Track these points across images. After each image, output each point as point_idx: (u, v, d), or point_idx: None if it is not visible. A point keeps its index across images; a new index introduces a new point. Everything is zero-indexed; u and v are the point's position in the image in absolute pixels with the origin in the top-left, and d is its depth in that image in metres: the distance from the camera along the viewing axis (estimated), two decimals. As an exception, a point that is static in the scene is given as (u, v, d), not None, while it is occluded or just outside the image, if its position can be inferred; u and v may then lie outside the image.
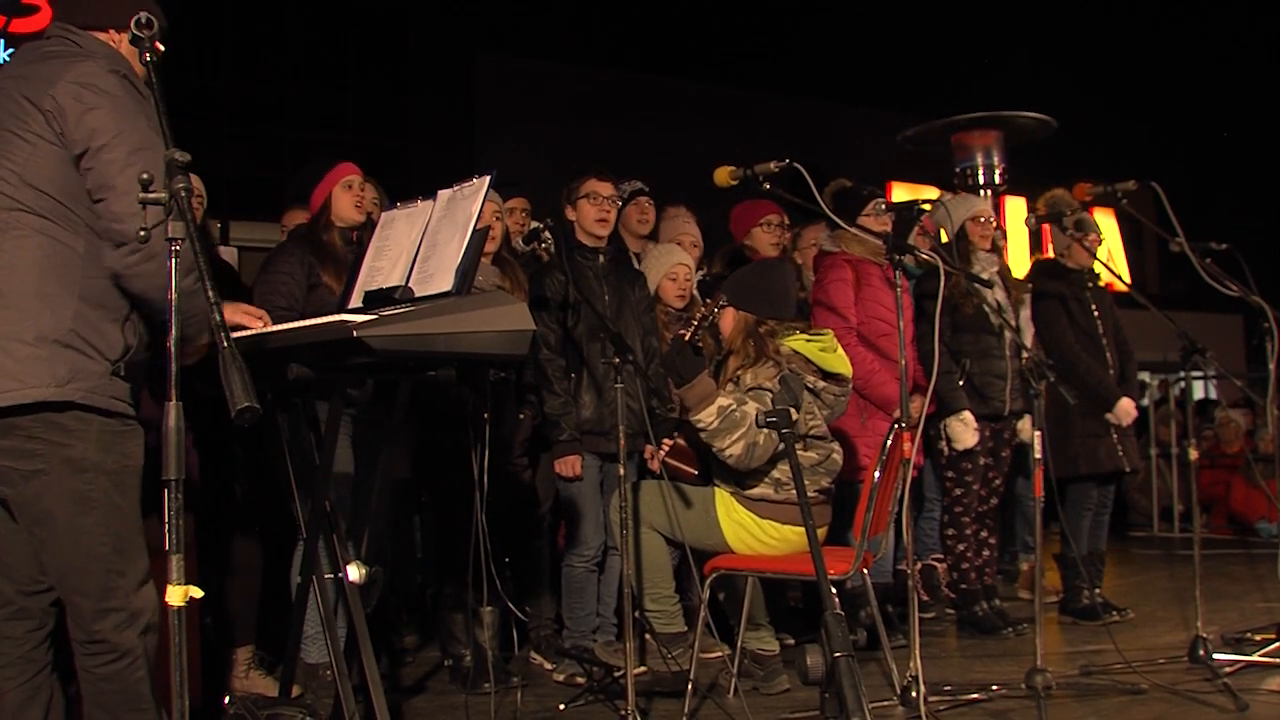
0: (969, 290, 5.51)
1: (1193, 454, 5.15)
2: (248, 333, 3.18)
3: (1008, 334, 5.62)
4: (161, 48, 2.53)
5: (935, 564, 6.10)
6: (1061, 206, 5.97)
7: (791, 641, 5.15)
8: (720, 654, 4.73)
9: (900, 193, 10.65)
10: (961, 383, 5.59)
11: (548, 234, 4.62)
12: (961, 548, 5.75)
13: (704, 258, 5.80)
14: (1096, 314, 6.05)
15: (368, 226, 4.26)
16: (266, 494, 4.38)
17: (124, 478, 2.74)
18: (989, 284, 5.17)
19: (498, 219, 4.80)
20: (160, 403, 2.15)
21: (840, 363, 4.41)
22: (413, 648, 5.45)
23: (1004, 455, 5.86)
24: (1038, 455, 4.23)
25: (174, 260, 2.19)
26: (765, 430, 4.04)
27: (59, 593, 2.77)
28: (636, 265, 5.32)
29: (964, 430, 5.55)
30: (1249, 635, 5.24)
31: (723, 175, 4.03)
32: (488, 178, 3.25)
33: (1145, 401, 10.94)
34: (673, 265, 5.31)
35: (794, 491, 4.15)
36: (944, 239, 5.94)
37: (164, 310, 2.24)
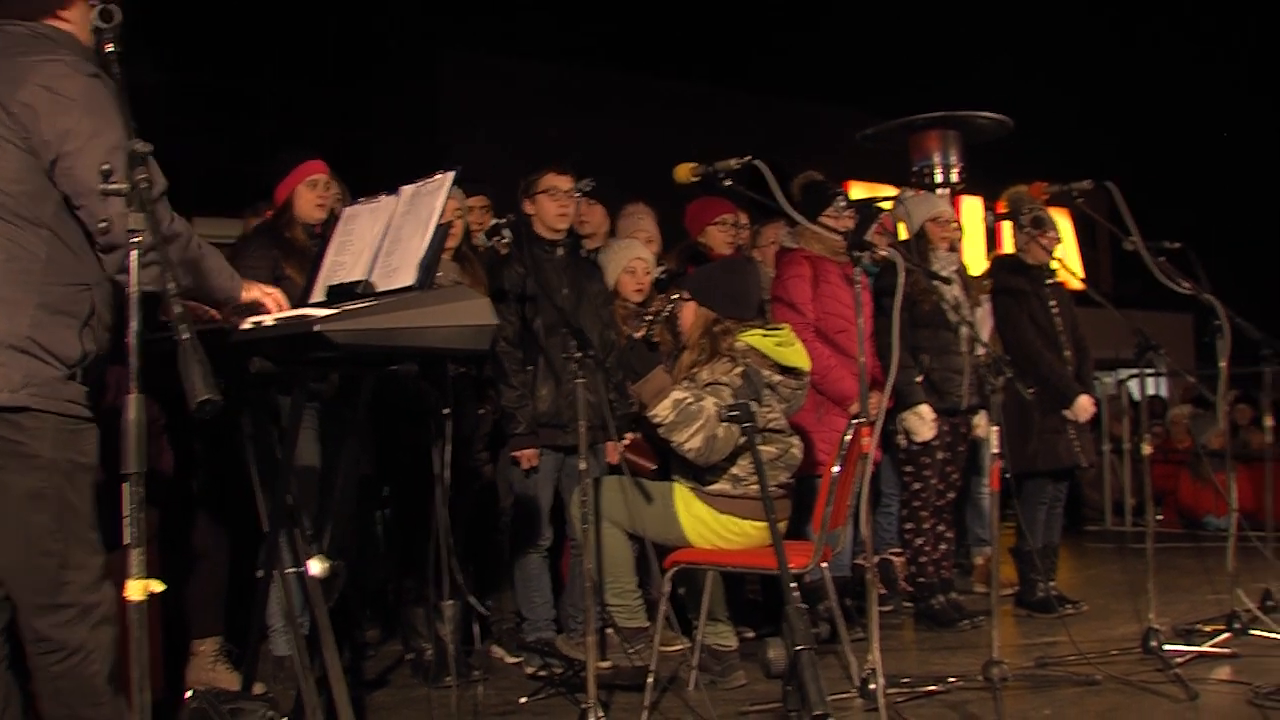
0: (927, 287, 5.54)
1: (1146, 449, 5.19)
2: (210, 326, 3.15)
3: (965, 330, 5.65)
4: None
5: (893, 558, 6.14)
6: (1020, 204, 6.03)
7: (752, 635, 5.16)
8: (681, 647, 4.73)
9: (858, 191, 10.70)
10: (920, 378, 5.63)
11: (508, 230, 4.61)
12: (919, 541, 5.78)
13: (662, 253, 5.80)
14: (1055, 311, 6.08)
15: (331, 221, 4.23)
16: (233, 487, 4.35)
17: (78, 475, 2.69)
18: (947, 280, 5.19)
19: (459, 215, 4.78)
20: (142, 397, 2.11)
21: (797, 356, 4.41)
22: (375, 642, 5.42)
23: (961, 450, 5.90)
24: (995, 450, 4.26)
25: (135, 253, 2.15)
26: (725, 424, 4.04)
27: (8, 589, 2.72)
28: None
29: (921, 424, 5.59)
30: (1199, 627, 5.32)
31: (683, 172, 4.01)
32: (451, 173, 3.23)
33: (1103, 395, 11.04)
34: (631, 260, 5.33)
35: (753, 487, 4.16)
36: (903, 236, 5.97)
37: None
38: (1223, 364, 5.23)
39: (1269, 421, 6.29)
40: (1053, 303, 6.09)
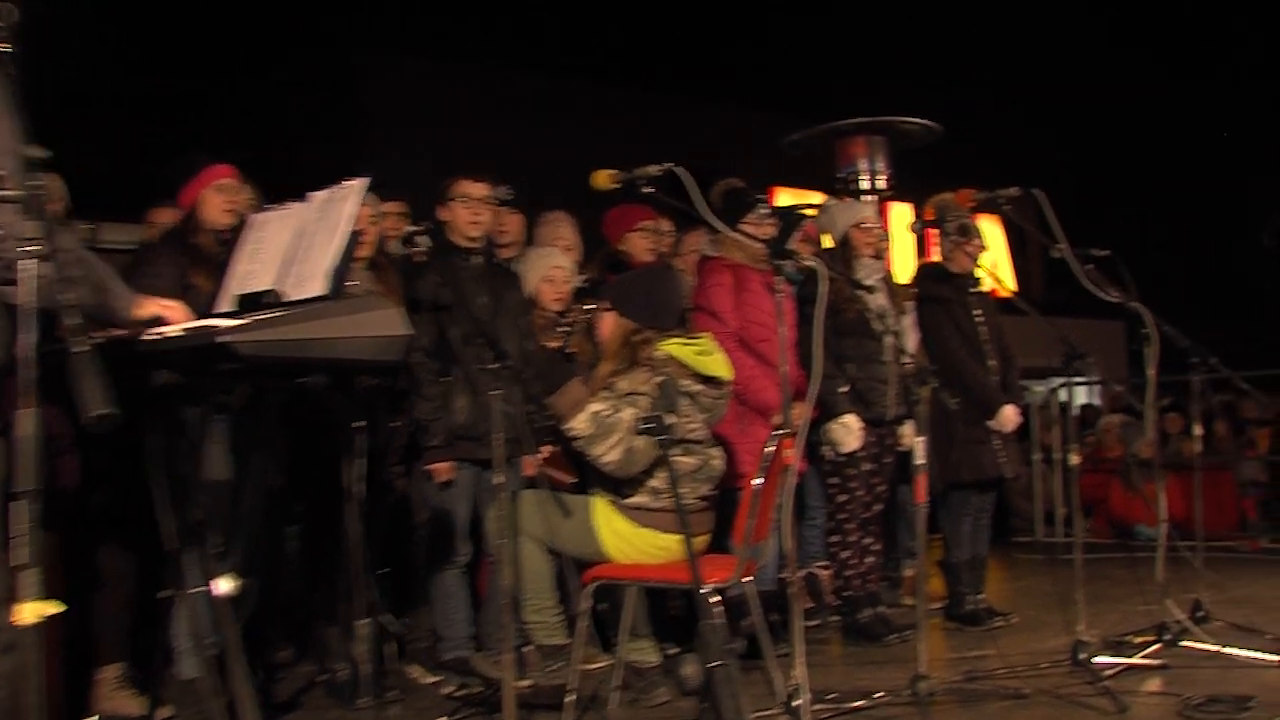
0: (851, 296, 5.60)
1: (1074, 459, 5.27)
2: (119, 334, 3.12)
3: (890, 339, 5.72)
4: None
5: (819, 571, 6.19)
6: (947, 211, 6.11)
7: (676, 651, 5.19)
8: (602, 665, 4.74)
9: (784, 197, 10.71)
10: (845, 388, 5.69)
11: (424, 237, 4.62)
12: (845, 554, 5.83)
13: (582, 262, 5.83)
14: (980, 319, 6.16)
15: (239, 228, 4.21)
16: (139, 504, 4.30)
17: None
18: (869, 289, 5.26)
19: (372, 222, 4.78)
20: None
21: (718, 365, 4.45)
22: (287, 663, 5.37)
23: (887, 461, 5.95)
24: (920, 461, 4.33)
25: (29, 263, 2.14)
26: (643, 435, 4.07)
27: None
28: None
29: (847, 434, 5.64)
30: (1129, 638, 5.40)
31: (602, 179, 4.04)
32: (364, 180, 3.24)
33: (1034, 404, 11.19)
34: (550, 268, 5.35)
35: (673, 499, 4.18)
36: (828, 244, 6.04)
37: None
38: (1150, 372, 5.33)
39: (1198, 430, 6.46)
40: (978, 311, 6.17)
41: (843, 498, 5.81)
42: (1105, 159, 19.49)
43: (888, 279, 6.07)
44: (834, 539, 5.87)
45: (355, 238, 3.20)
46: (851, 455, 5.71)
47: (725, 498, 4.72)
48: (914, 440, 4.49)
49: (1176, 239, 20.59)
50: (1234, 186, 20.68)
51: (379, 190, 4.80)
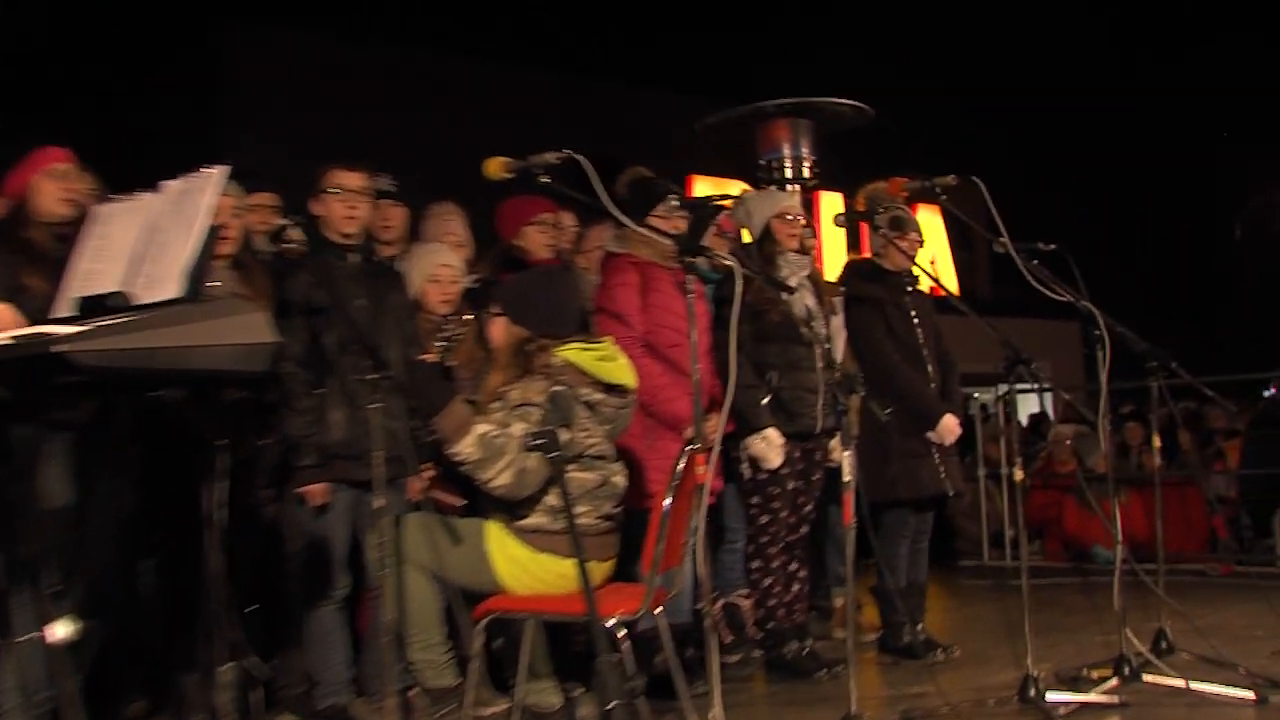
0: (774, 296, 5.64)
1: (1018, 475, 5.29)
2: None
3: (818, 344, 5.80)
4: None
5: (739, 601, 6.22)
6: (878, 202, 6.17)
7: (581, 691, 5.22)
8: (499, 709, 4.76)
9: (702, 187, 10.82)
10: (767, 398, 5.75)
11: (295, 232, 4.62)
12: (768, 582, 5.88)
13: (474, 259, 5.87)
14: (916, 321, 6.25)
15: (79, 221, 4.19)
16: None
17: None
18: (789, 290, 5.32)
19: (235, 216, 4.79)
20: None
21: (620, 372, 4.51)
22: (141, 715, 5.33)
23: (815, 479, 6.02)
24: (847, 478, 4.40)
25: None
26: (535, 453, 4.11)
27: None
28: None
29: (768, 450, 5.70)
30: (1085, 672, 5.44)
31: (494, 167, 4.07)
32: (223, 168, 3.26)
33: (978, 414, 11.34)
34: (436, 267, 5.38)
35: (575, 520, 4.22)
36: (747, 239, 6.11)
37: None
38: (1103, 377, 5.36)
39: (1156, 442, 6.53)
40: (914, 312, 6.26)
41: (765, 519, 5.87)
42: (1054, 144, 19.77)
43: (815, 277, 6.15)
44: (756, 565, 5.92)
45: (215, 233, 3.21)
46: (775, 472, 5.79)
47: (633, 520, 4.78)
48: (841, 455, 4.55)
49: (1134, 230, 20.97)
50: (1199, 172, 21.08)
51: (243, 179, 4.79)
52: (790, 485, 5.88)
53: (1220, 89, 19.88)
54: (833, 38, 16.81)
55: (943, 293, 5.57)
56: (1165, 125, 20.08)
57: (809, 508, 6.05)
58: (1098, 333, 5.34)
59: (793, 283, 5.89)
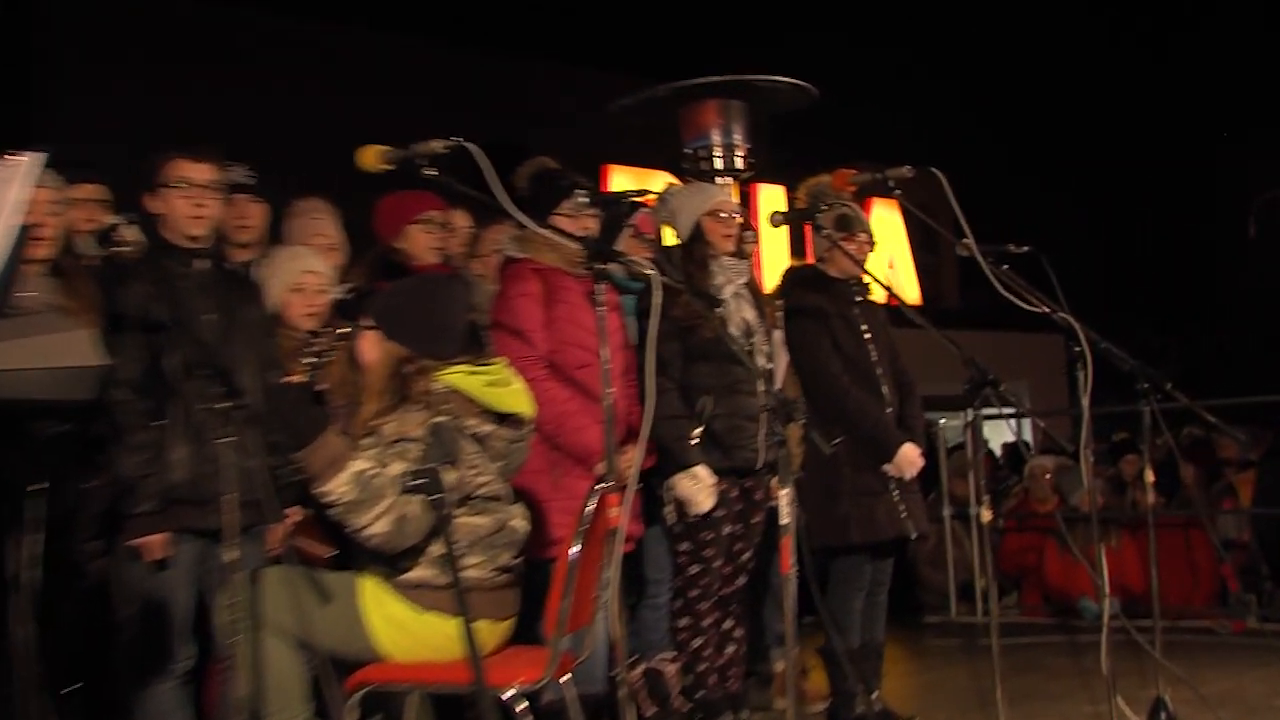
0: (706, 308, 5.66)
1: (985, 515, 5.39)
2: None
3: (760, 363, 5.80)
4: None
5: (664, 666, 6.20)
6: (822, 198, 6.18)
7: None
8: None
9: (620, 180, 10.78)
10: (698, 430, 5.75)
11: (128, 232, 4.57)
12: (698, 643, 5.87)
13: (347, 266, 5.86)
14: (868, 336, 6.26)
15: None
16: None
17: None
18: (715, 302, 5.32)
19: (54, 213, 4.73)
20: None
21: (516, 399, 4.49)
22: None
23: (755, 522, 6.02)
24: (784, 520, 4.40)
25: None
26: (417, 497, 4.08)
27: None
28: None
29: (697, 491, 5.67)
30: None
31: (371, 157, 4.08)
32: (37, 155, 3.23)
33: (943, 443, 11.38)
34: (301, 274, 5.36)
35: (464, 572, 4.20)
36: (673, 240, 6.11)
37: None
38: (1084, 400, 5.43)
39: (1150, 476, 6.53)
40: (864, 325, 6.27)
41: (695, 569, 5.86)
42: (1030, 131, 20.00)
43: (754, 285, 6.18)
44: (683, 623, 5.91)
45: (26, 233, 3.17)
46: (708, 515, 5.77)
47: (536, 572, 4.76)
48: (779, 494, 4.55)
49: (1123, 229, 21.20)
50: (1199, 161, 21.37)
51: (63, 169, 4.73)
52: (726, 530, 5.87)
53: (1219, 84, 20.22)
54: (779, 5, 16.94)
55: (899, 302, 5.59)
56: (1156, 103, 20.37)
57: (747, 555, 6.05)
58: (1078, 349, 5.39)
59: (728, 291, 5.91)
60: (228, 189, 5.03)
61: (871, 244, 6.32)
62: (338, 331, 4.27)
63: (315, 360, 4.16)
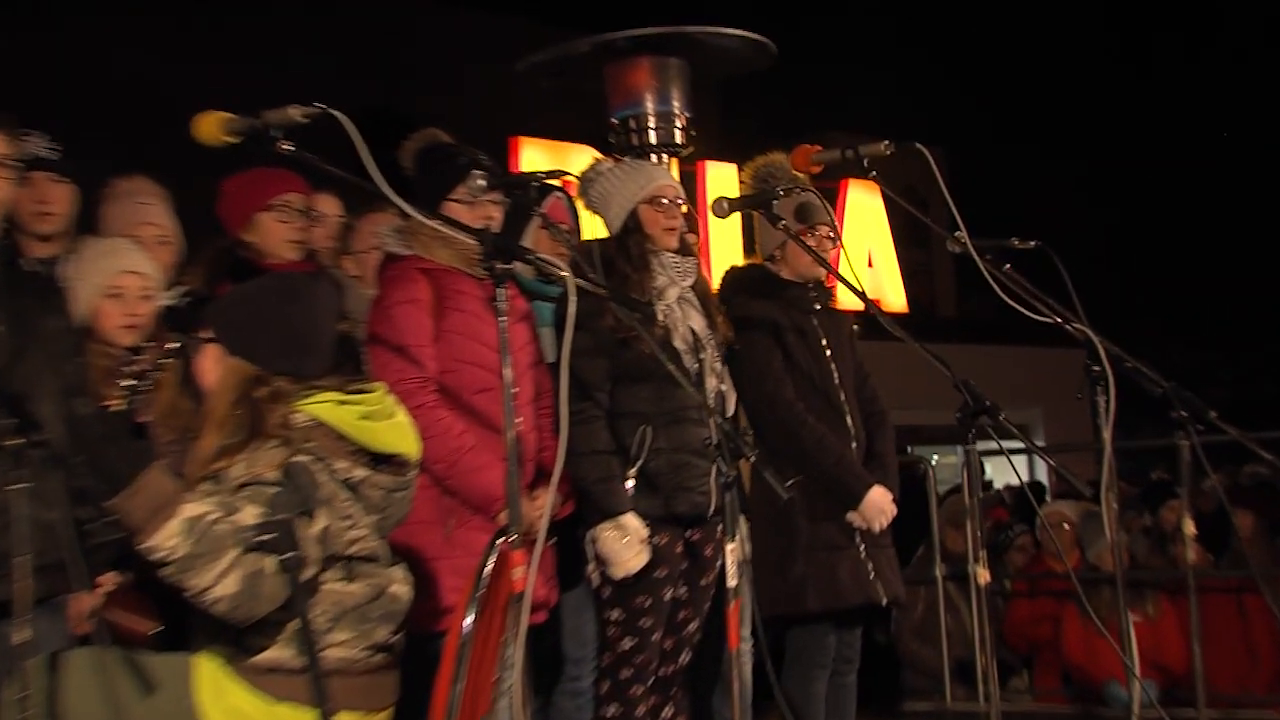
0: (642, 317, 5.63)
1: (982, 576, 5.36)
2: None
3: (711, 386, 5.79)
4: None
5: (586, 765, 6.21)
6: (774, 181, 6.19)
7: None
8: None
9: (532, 157, 10.73)
10: (631, 471, 5.73)
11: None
12: (630, 735, 5.87)
13: (181, 264, 5.81)
14: (829, 353, 6.29)
15: None
16: None
17: None
18: (646, 313, 5.30)
19: None
20: None
21: (397, 436, 4.42)
22: None
23: (704, 584, 5.97)
24: (732, 581, 4.39)
25: None
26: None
27: None
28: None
29: (620, 548, 5.62)
30: None
31: (210, 126, 4.04)
32: None
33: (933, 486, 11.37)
34: (118, 274, 5.32)
35: (331, 651, 4.15)
36: (600, 233, 6.09)
37: None
38: (1106, 433, 5.42)
39: (1190, 527, 6.53)
40: (824, 340, 6.30)
41: (627, 644, 5.81)
42: (1037, 99, 20.19)
43: (703, 288, 6.16)
44: (613, 711, 5.87)
45: None
46: (645, 575, 5.72)
47: (420, 649, 4.73)
48: (725, 549, 4.54)
49: (1153, 220, 21.38)
50: (1249, 139, 21.62)
51: None
52: (667, 594, 5.83)
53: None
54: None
55: (874, 310, 5.58)
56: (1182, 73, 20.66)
57: (694, 626, 6.00)
58: (1097, 368, 5.37)
59: (672, 295, 5.89)
60: (22, 165, 4.97)
61: (833, 237, 6.36)
62: (166, 347, 4.19)
63: (136, 384, 4.09)
